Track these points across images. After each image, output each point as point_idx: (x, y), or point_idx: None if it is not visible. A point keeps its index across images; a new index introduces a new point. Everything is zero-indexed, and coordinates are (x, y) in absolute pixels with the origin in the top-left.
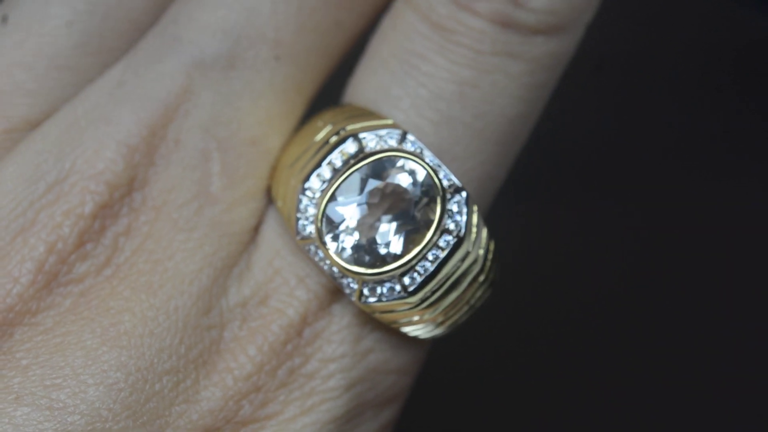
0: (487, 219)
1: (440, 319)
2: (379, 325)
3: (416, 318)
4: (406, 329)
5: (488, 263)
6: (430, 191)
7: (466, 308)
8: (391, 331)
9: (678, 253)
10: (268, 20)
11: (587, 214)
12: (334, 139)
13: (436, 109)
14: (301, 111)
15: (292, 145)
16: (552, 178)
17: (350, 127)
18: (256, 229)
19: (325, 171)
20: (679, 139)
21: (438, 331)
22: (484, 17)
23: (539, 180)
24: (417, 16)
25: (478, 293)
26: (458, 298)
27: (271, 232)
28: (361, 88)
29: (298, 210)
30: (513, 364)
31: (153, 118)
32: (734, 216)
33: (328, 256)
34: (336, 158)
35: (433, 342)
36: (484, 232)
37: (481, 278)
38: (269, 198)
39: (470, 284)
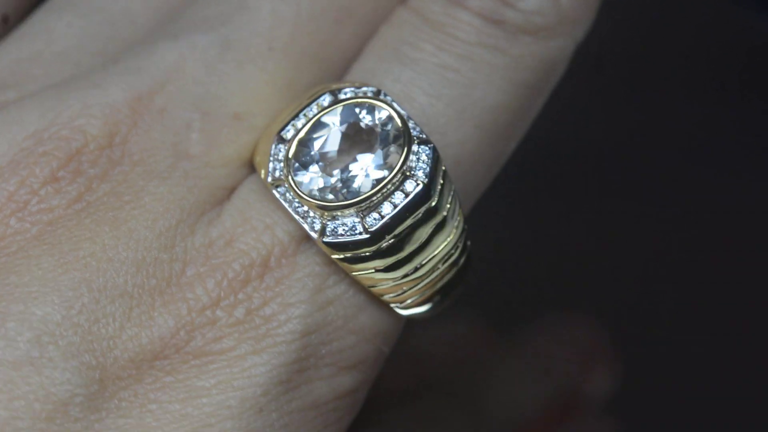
0: (472, 212)
1: (398, 289)
2: (343, 280)
3: (376, 274)
4: (367, 283)
5: (456, 232)
6: (398, 137)
7: (428, 287)
8: (356, 289)
9: (678, 253)
10: (266, 16)
11: (587, 214)
12: (312, 95)
13: (418, 87)
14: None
15: (275, 119)
16: (552, 178)
17: (331, 87)
18: (232, 191)
19: (300, 120)
20: (679, 138)
21: (403, 310)
22: (474, 12)
23: (539, 180)
24: (411, 13)
25: (444, 272)
26: (420, 265)
27: (246, 189)
28: (350, 72)
29: (270, 155)
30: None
31: (141, 87)
32: (734, 215)
33: (295, 193)
34: (311, 110)
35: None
36: (452, 194)
37: (449, 242)
38: (250, 171)
39: (433, 250)
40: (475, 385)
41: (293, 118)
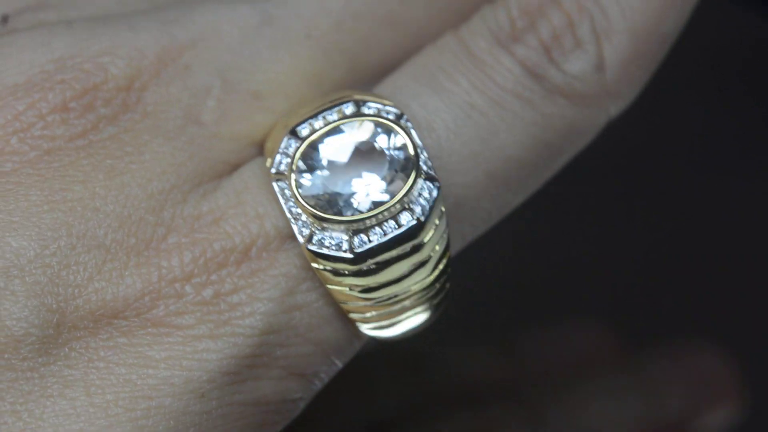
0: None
1: (371, 311)
2: (316, 288)
3: (350, 292)
4: (340, 303)
5: (436, 274)
6: (407, 167)
7: (401, 315)
8: (326, 300)
9: (679, 253)
10: (313, 2)
11: (589, 215)
12: (336, 99)
13: (441, 118)
14: (314, 97)
15: (295, 108)
16: (552, 177)
17: (356, 96)
18: (235, 168)
19: (319, 121)
20: (679, 138)
21: (367, 330)
22: (517, 59)
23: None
24: (458, 43)
25: (417, 307)
26: (395, 296)
27: (249, 170)
28: (382, 85)
29: (280, 146)
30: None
31: (172, 41)
32: (734, 215)
33: (293, 192)
34: (332, 114)
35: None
36: (445, 236)
37: (425, 282)
38: (258, 151)
39: (411, 285)
40: (576, 393)
41: (312, 117)
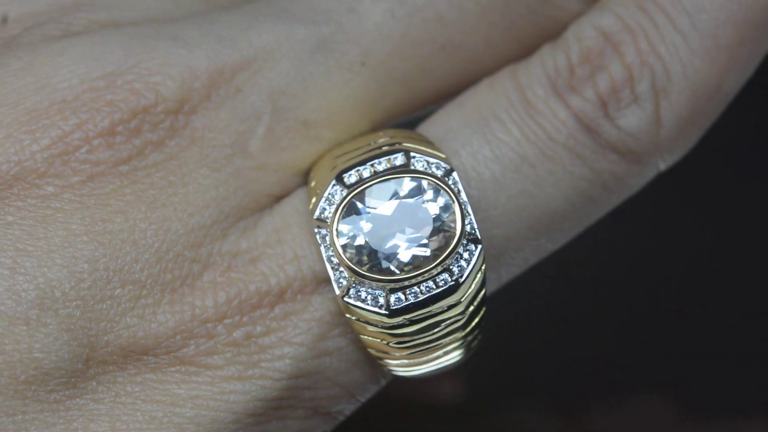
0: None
1: (405, 358)
2: (347, 334)
3: (384, 342)
4: (371, 350)
5: (472, 325)
6: (451, 229)
7: (434, 360)
8: (356, 346)
9: (681, 253)
10: (371, 28)
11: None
12: (386, 147)
13: (489, 169)
14: (363, 127)
15: (348, 143)
16: None
17: (406, 144)
18: (279, 200)
19: (367, 170)
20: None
21: (399, 371)
22: (572, 110)
23: None
24: (514, 87)
25: (451, 350)
26: (430, 343)
27: (291, 206)
28: (434, 124)
29: (325, 193)
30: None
31: (227, 59)
32: (734, 215)
33: (333, 243)
34: (380, 164)
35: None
36: (481, 294)
37: (459, 335)
38: (303, 180)
39: (446, 335)
40: None
41: (361, 164)
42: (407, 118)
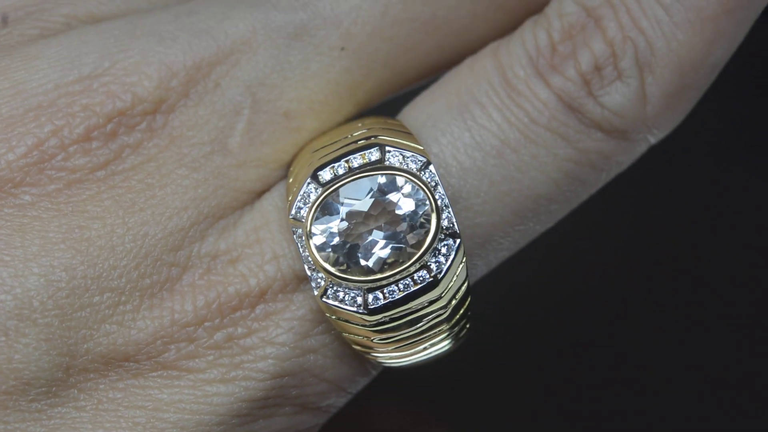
0: (480, 280)
1: (391, 351)
2: (330, 330)
3: (368, 338)
4: (356, 347)
5: (457, 317)
6: (426, 225)
7: (422, 351)
8: (340, 341)
9: (680, 254)
10: (349, 11)
11: (589, 215)
12: (362, 141)
13: (470, 157)
14: (347, 112)
15: (326, 134)
16: None
17: (382, 137)
18: (260, 195)
19: (341, 167)
20: (679, 138)
21: (387, 363)
22: (554, 90)
23: None
24: (495, 68)
25: (438, 341)
26: (414, 336)
27: (270, 202)
28: (415, 109)
29: (300, 191)
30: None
31: (203, 54)
32: (733, 215)
33: (308, 245)
34: (356, 159)
35: (382, 372)
36: (465, 286)
37: (444, 327)
38: (284, 172)
39: (430, 329)
40: None
41: (335, 161)
42: (392, 96)
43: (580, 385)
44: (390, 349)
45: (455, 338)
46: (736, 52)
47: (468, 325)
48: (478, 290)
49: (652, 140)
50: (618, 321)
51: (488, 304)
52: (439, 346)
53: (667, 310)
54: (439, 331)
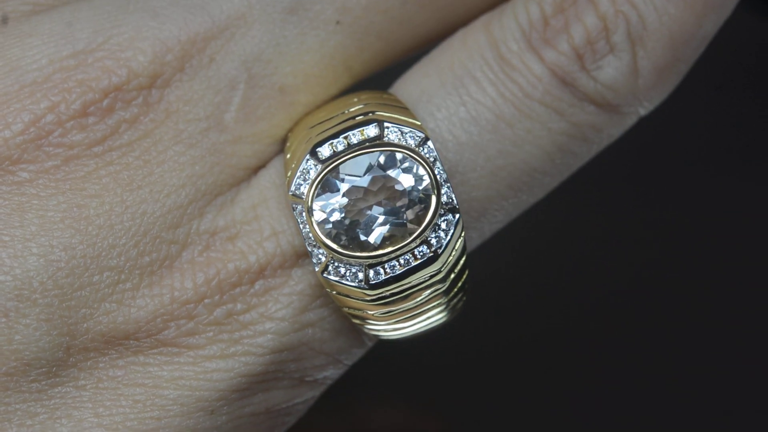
0: (474, 251)
1: (390, 324)
2: (328, 304)
3: (367, 312)
4: (354, 320)
5: (455, 290)
6: (426, 200)
7: (419, 323)
8: (338, 314)
9: (679, 254)
10: None
11: (588, 214)
12: (360, 117)
13: (466, 131)
14: (342, 84)
15: (321, 109)
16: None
17: (379, 113)
18: (256, 171)
19: (340, 143)
20: (679, 138)
21: (384, 335)
22: (547, 65)
23: None
24: (488, 42)
25: (435, 314)
26: (413, 309)
27: (267, 179)
28: (409, 84)
29: (299, 168)
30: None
31: (198, 28)
32: (733, 215)
33: (309, 221)
34: (354, 135)
35: (378, 343)
36: (462, 260)
37: (442, 300)
38: (280, 148)
39: (428, 301)
40: None
41: (334, 137)
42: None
43: (581, 386)
44: (388, 321)
45: (452, 310)
46: (727, 49)
47: (465, 298)
48: (474, 262)
49: (643, 112)
50: (611, 311)
51: (488, 303)
52: (436, 318)
53: (664, 302)
54: (438, 303)
